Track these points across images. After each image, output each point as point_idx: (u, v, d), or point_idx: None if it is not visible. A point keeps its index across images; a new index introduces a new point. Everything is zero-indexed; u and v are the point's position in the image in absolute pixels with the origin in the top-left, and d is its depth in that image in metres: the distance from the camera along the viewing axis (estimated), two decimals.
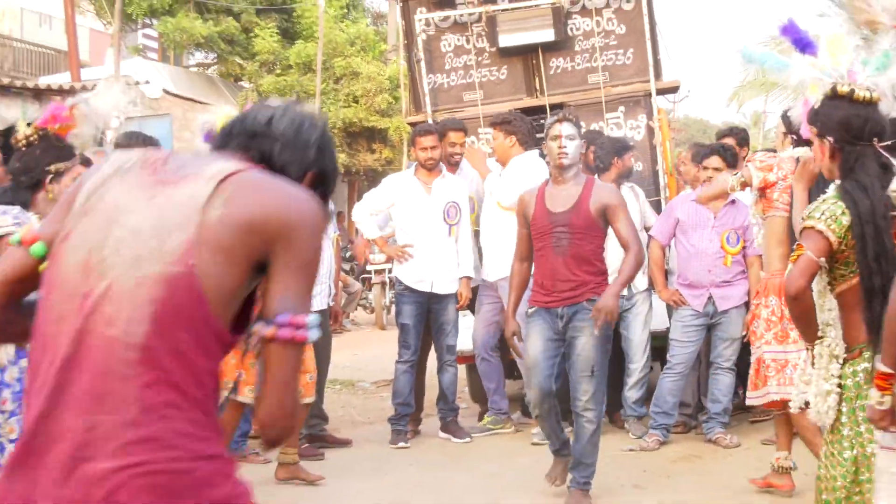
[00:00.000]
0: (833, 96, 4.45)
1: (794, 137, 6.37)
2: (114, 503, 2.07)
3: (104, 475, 2.07)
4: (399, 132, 23.29)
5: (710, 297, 8.33)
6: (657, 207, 9.13)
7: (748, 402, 6.98)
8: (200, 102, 21.76)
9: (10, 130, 5.69)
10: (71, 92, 15.32)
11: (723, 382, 8.48)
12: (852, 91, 4.38)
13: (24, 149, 5.25)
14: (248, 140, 2.45)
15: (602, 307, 6.42)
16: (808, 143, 5.80)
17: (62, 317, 2.20)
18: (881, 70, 4.48)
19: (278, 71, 25.02)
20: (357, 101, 24.14)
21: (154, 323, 2.13)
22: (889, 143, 4.45)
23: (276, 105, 2.54)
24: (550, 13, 9.64)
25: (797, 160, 6.09)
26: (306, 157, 2.47)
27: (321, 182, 2.50)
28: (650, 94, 9.74)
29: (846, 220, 4.25)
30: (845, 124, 4.41)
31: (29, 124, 5.34)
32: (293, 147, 2.45)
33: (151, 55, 26.37)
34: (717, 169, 8.28)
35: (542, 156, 8.61)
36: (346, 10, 26.89)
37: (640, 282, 8.52)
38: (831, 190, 4.46)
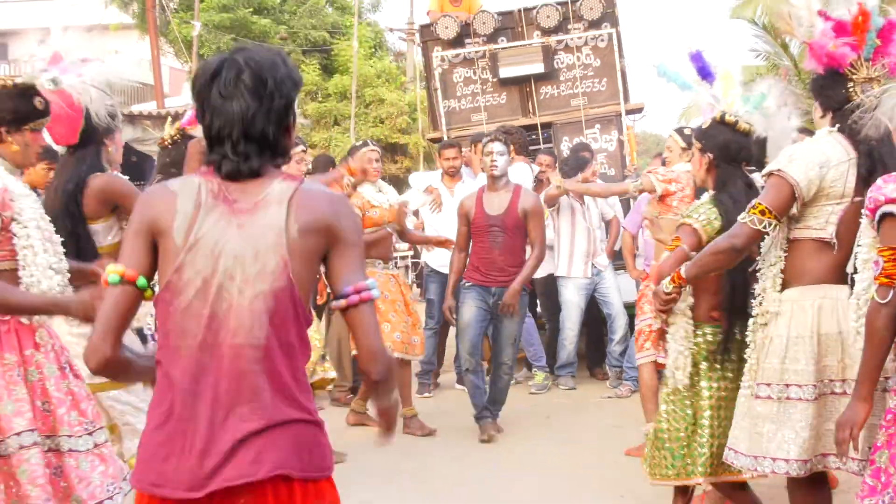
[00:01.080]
0: (720, 121, 4.47)
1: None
2: (264, 461, 2.18)
3: (261, 451, 2.18)
4: (416, 146, 23.27)
5: None
6: (626, 204, 9.02)
7: (637, 362, 6.67)
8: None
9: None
10: (158, 118, 15.32)
11: None
12: (737, 121, 4.44)
13: (169, 147, 5.25)
14: (246, 153, 2.30)
15: (506, 302, 6.79)
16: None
17: (188, 334, 2.23)
18: (756, 108, 4.47)
19: (320, 98, 24.84)
20: (382, 122, 24.05)
21: (270, 327, 2.21)
22: (753, 167, 4.59)
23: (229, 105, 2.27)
24: (541, 50, 9.73)
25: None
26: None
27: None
28: (620, 115, 9.79)
29: (718, 224, 4.31)
30: (725, 147, 4.46)
31: (174, 122, 5.43)
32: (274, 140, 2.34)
33: None
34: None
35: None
36: (373, 50, 26.74)
37: (602, 260, 8.56)
38: (705, 197, 4.54)
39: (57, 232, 3.91)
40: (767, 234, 3.88)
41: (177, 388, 2.22)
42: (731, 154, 4.48)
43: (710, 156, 4.51)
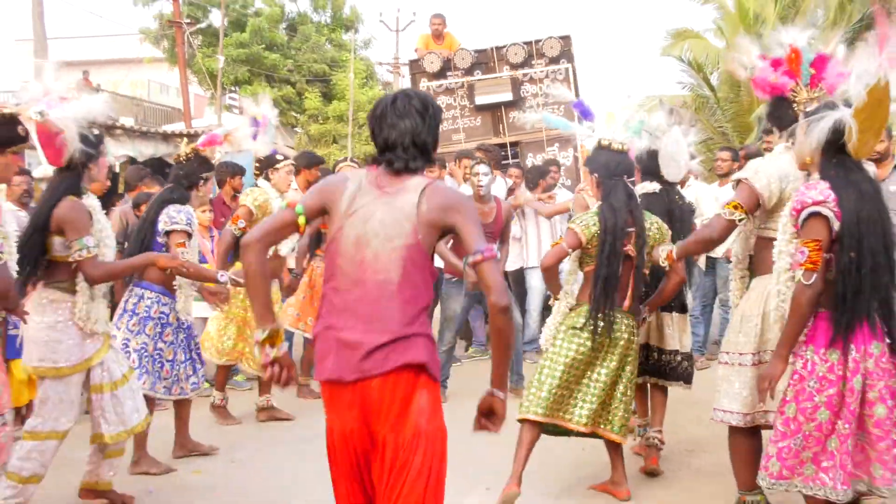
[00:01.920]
0: (600, 147, 4.58)
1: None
2: (389, 360, 2.59)
3: (380, 358, 2.59)
4: None
5: None
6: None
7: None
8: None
9: (152, 160, 5.74)
10: (187, 136, 15.26)
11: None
12: (610, 143, 4.55)
13: (183, 162, 5.23)
14: (413, 154, 2.76)
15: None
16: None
17: (346, 272, 2.68)
18: (636, 132, 4.72)
19: (321, 121, 24.85)
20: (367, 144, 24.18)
21: (402, 270, 2.64)
22: (632, 179, 4.64)
23: (404, 118, 2.76)
24: (509, 82, 9.79)
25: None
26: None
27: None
28: (575, 136, 9.72)
29: (595, 229, 4.43)
30: (605, 165, 4.54)
31: (189, 143, 5.44)
32: (426, 148, 2.79)
33: (235, 111, 26.12)
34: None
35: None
36: (365, 80, 26.72)
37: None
38: (593, 208, 4.65)
39: (29, 238, 4.06)
40: (737, 224, 3.87)
41: (335, 310, 2.68)
42: (611, 170, 4.55)
43: (596, 175, 4.60)
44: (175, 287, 5.03)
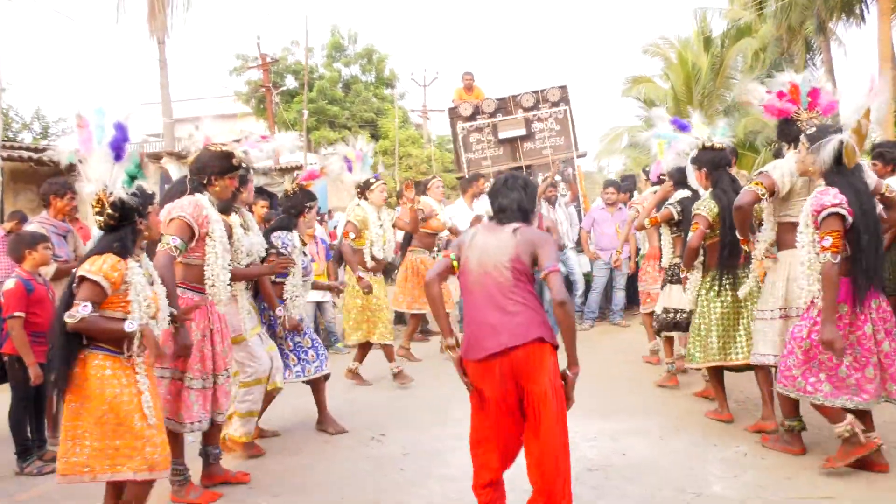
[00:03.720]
0: (703, 147, 4.42)
1: (651, 181, 6.31)
2: (533, 338, 2.69)
3: (526, 329, 2.71)
4: None
5: (611, 255, 7.90)
6: (580, 215, 9.00)
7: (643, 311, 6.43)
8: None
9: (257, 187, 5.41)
10: (278, 170, 14.99)
11: (619, 296, 8.39)
12: (713, 144, 4.40)
13: (289, 195, 4.85)
14: (513, 214, 2.90)
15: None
16: (658, 183, 5.84)
17: (472, 285, 2.83)
18: (723, 136, 4.53)
19: (371, 155, 24.92)
20: (410, 168, 24.06)
21: (512, 270, 2.76)
22: (732, 168, 4.51)
23: (512, 192, 2.94)
24: (523, 121, 9.56)
25: (653, 193, 6.08)
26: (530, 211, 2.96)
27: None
28: (573, 158, 9.65)
29: (716, 210, 4.26)
30: (711, 160, 4.38)
31: (294, 180, 5.04)
32: (525, 210, 2.93)
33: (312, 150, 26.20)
34: (613, 194, 8.25)
35: None
36: (402, 123, 26.67)
37: (568, 243, 8.29)
38: (706, 195, 4.40)
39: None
40: (761, 198, 3.79)
41: (471, 309, 2.82)
42: (715, 163, 4.38)
43: (705, 169, 4.41)
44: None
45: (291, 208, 4.78)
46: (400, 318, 8.05)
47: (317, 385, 4.68)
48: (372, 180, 5.90)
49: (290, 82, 26.85)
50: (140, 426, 2.74)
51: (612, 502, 3.32)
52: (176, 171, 13.39)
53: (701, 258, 4.46)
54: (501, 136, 9.72)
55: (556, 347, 2.75)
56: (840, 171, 3.35)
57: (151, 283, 2.94)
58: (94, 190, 2.81)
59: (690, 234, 4.39)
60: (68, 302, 2.74)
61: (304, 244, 4.87)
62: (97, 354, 2.76)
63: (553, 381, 2.70)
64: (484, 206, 8.43)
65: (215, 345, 3.57)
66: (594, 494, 3.40)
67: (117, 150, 2.81)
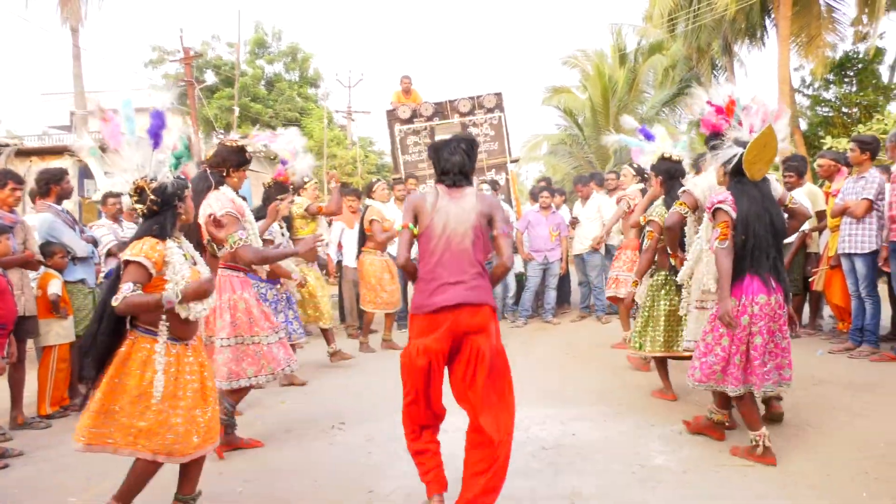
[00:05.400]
0: (663, 158, 4.68)
1: (638, 177, 6.70)
2: (483, 301, 3.02)
3: (478, 294, 3.02)
4: (357, 183, 23.18)
5: (545, 256, 8.42)
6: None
7: (607, 295, 6.95)
8: (254, 171, 21.47)
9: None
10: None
11: (551, 295, 8.65)
12: (671, 156, 4.67)
13: (266, 187, 5.62)
14: (459, 177, 3.14)
15: None
16: (643, 180, 6.21)
17: (436, 247, 3.06)
18: (683, 149, 4.77)
19: None
20: (335, 168, 23.94)
21: (473, 241, 3.06)
22: (683, 178, 4.69)
23: (454, 155, 3.14)
24: (460, 126, 9.83)
25: (640, 191, 6.48)
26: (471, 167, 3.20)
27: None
28: (507, 163, 9.94)
29: (665, 213, 4.55)
30: (668, 170, 4.66)
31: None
32: (468, 174, 3.18)
33: None
34: (547, 198, 8.55)
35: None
36: (327, 123, 26.50)
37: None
38: (658, 202, 4.73)
39: None
40: (685, 217, 4.25)
41: (432, 271, 3.03)
42: (671, 173, 4.67)
43: (660, 177, 4.73)
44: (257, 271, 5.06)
45: (267, 199, 5.50)
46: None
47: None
48: (377, 181, 6.73)
49: (210, 77, 26.17)
50: (167, 414, 2.79)
51: (570, 475, 3.63)
52: (97, 165, 12.87)
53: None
54: (438, 139, 9.88)
55: (494, 310, 3.12)
56: (739, 181, 3.66)
57: (195, 264, 2.99)
58: (131, 178, 2.85)
59: (646, 241, 4.72)
60: (114, 287, 2.77)
61: (282, 227, 5.55)
62: (146, 337, 2.82)
63: (496, 340, 3.07)
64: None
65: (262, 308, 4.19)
66: (552, 470, 3.71)
67: (155, 137, 2.86)
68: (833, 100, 17.78)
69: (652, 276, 4.83)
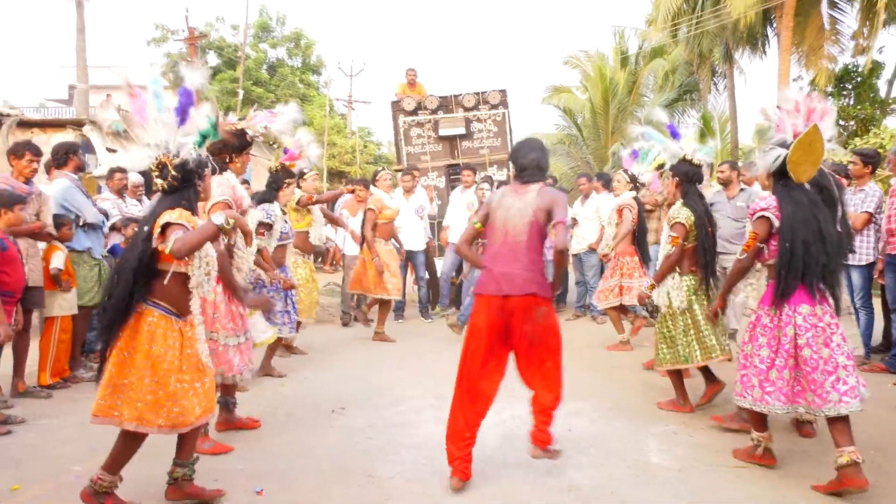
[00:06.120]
0: (684, 160, 4.52)
1: (631, 183, 6.59)
2: (528, 293, 3.29)
3: (524, 285, 3.30)
4: (356, 173, 23.19)
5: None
6: None
7: (610, 305, 6.59)
8: (254, 155, 21.40)
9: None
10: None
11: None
12: (692, 159, 4.53)
13: (272, 172, 5.50)
14: (535, 172, 3.47)
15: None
16: (636, 188, 6.21)
17: (496, 239, 3.43)
18: (707, 154, 4.62)
19: None
20: (334, 157, 23.90)
21: (528, 234, 3.35)
22: (701, 184, 4.60)
23: (531, 152, 3.49)
24: (463, 120, 9.91)
25: (633, 198, 6.45)
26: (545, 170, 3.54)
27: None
28: (508, 160, 10.03)
29: (693, 217, 4.44)
30: (687, 173, 4.51)
31: (278, 158, 5.66)
32: (543, 168, 3.51)
33: None
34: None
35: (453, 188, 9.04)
36: (329, 111, 26.48)
37: None
38: (678, 204, 4.55)
39: None
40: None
41: (492, 260, 3.38)
42: (689, 177, 4.51)
43: (677, 179, 4.54)
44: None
45: (273, 183, 5.36)
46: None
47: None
48: (305, 171, 6.24)
49: (212, 59, 26.05)
50: (174, 388, 2.80)
51: (569, 469, 3.68)
52: (99, 140, 12.78)
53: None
54: (442, 132, 9.97)
55: (546, 299, 3.35)
56: (785, 184, 3.51)
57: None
58: (155, 154, 2.85)
59: (669, 246, 4.53)
60: (133, 254, 2.76)
61: (284, 213, 5.46)
62: (153, 311, 2.83)
63: (545, 320, 3.35)
64: (419, 199, 8.76)
65: (240, 306, 3.89)
66: (551, 463, 3.76)
67: (182, 114, 2.86)
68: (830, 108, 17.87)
69: (681, 279, 4.58)
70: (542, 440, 3.48)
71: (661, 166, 6.46)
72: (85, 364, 5.56)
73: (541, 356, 3.38)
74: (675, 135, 4.64)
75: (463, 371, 3.40)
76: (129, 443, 2.90)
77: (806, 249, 3.37)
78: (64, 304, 5.14)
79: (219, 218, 2.76)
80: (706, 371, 4.68)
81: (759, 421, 3.62)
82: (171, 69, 24.64)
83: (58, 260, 5.04)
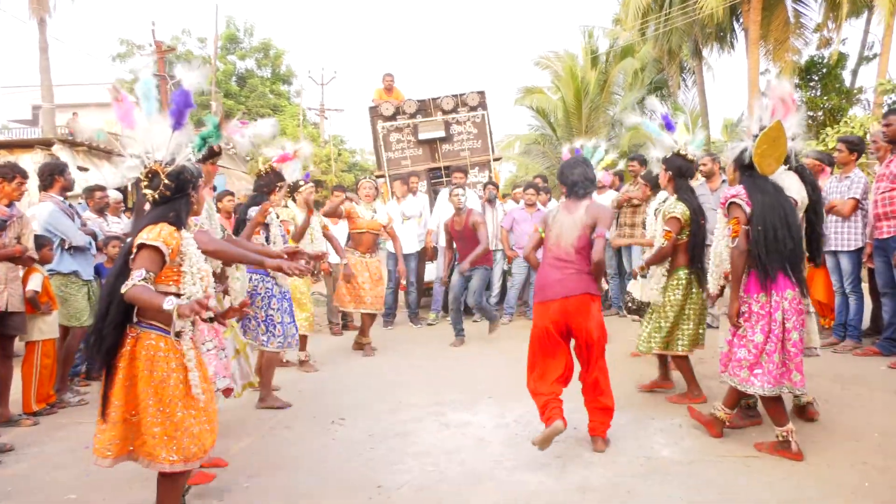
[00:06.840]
0: (677, 154, 4.53)
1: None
2: (583, 292, 3.79)
3: (567, 287, 3.81)
4: (332, 182, 23.00)
5: None
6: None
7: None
8: (227, 168, 21.07)
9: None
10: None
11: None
12: (686, 154, 4.54)
13: (262, 174, 5.21)
14: (586, 185, 3.97)
15: (461, 269, 7.08)
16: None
17: (549, 251, 3.93)
18: (699, 147, 4.68)
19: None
20: (307, 167, 23.77)
21: (577, 247, 3.84)
22: (692, 178, 4.67)
23: (576, 167, 3.99)
24: (443, 123, 9.80)
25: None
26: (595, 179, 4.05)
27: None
28: (489, 161, 9.92)
29: (688, 212, 4.47)
30: (680, 168, 4.53)
31: (266, 161, 5.33)
32: (592, 179, 4.01)
33: None
34: (532, 195, 8.57)
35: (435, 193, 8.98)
36: (301, 120, 26.27)
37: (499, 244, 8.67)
38: (671, 199, 4.57)
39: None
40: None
41: (545, 268, 3.90)
42: (682, 171, 4.54)
43: (670, 173, 4.56)
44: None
45: (264, 186, 5.15)
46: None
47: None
48: (301, 182, 6.15)
49: (180, 73, 25.76)
50: (181, 416, 2.60)
51: (579, 466, 3.64)
52: (69, 159, 12.49)
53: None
54: (421, 136, 9.89)
55: (597, 296, 3.81)
56: (750, 175, 3.68)
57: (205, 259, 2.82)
58: (145, 161, 2.66)
59: (662, 240, 4.54)
60: (122, 272, 2.57)
61: (278, 216, 5.30)
62: (150, 333, 2.60)
63: (595, 318, 3.84)
64: (419, 204, 8.71)
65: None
66: (559, 462, 3.71)
67: (178, 117, 2.67)
68: (799, 103, 18.19)
69: (671, 274, 4.63)
70: (600, 431, 3.94)
71: (609, 167, 6.54)
72: (71, 388, 5.38)
73: (595, 356, 3.88)
74: (669, 126, 4.62)
75: (534, 365, 3.91)
76: (167, 485, 2.69)
77: (774, 235, 3.50)
78: (44, 328, 4.97)
79: (169, 304, 2.44)
80: (665, 365, 4.94)
81: (734, 400, 3.85)
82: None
83: (34, 282, 4.86)
